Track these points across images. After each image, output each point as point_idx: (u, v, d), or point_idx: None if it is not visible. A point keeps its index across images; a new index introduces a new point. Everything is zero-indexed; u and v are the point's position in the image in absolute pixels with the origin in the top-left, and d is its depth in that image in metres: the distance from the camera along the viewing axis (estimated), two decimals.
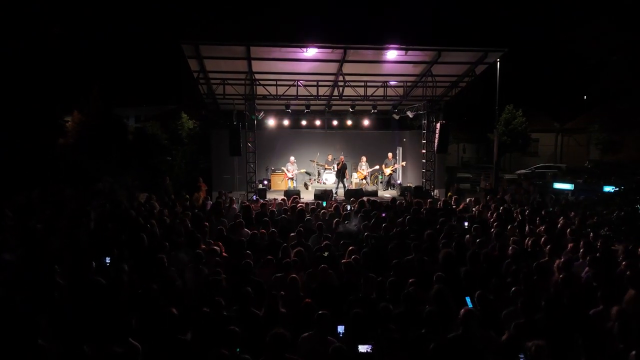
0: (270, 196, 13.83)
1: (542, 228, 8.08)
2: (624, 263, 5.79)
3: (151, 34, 41.77)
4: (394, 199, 11.49)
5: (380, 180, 16.59)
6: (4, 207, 8.45)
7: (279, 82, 13.38)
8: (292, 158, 15.81)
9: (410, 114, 15.96)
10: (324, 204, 10.96)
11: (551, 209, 10.33)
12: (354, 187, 14.96)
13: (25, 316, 3.81)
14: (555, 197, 12.45)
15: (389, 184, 16.30)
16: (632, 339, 3.78)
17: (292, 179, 15.62)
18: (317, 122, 16.81)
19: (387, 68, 13.46)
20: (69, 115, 22.23)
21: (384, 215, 8.87)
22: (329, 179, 16.21)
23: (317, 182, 16.51)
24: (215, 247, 6.41)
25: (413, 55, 12.68)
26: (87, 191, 12.35)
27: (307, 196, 13.84)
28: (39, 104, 18.46)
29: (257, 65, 12.77)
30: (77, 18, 23.53)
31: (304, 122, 16.82)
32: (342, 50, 11.98)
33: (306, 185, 16.34)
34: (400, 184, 16.08)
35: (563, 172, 24.14)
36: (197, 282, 5.53)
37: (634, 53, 23.57)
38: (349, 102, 14.61)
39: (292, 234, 7.47)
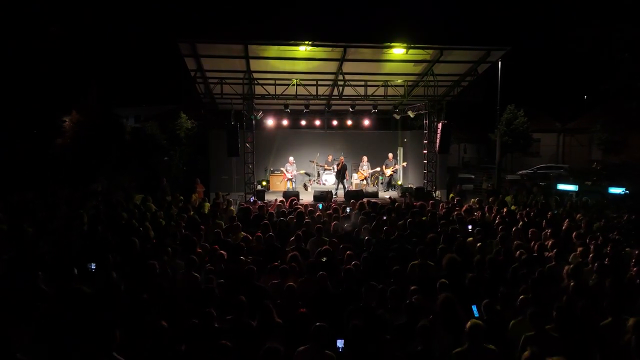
0: (268, 197, 13.59)
1: (548, 231, 7.84)
2: (634, 269, 5.55)
3: (150, 34, 41.51)
4: (393, 200, 11.24)
5: (380, 181, 16.35)
6: None
7: (277, 82, 13.17)
8: (291, 158, 15.57)
9: (411, 114, 15.74)
10: (320, 207, 10.65)
11: (556, 211, 10.10)
12: (354, 188, 14.71)
13: (2, 327, 3.57)
14: (559, 199, 12.23)
15: (390, 184, 16.07)
16: None
17: (291, 179, 15.38)
18: (317, 122, 16.55)
19: (387, 67, 13.27)
20: (67, 115, 22.02)
21: (384, 218, 8.63)
22: (328, 179, 15.97)
23: (317, 183, 16.28)
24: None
25: (414, 54, 12.45)
26: (82, 192, 12.12)
27: (307, 197, 13.60)
28: (37, 104, 18.31)
29: (255, 64, 12.60)
30: (75, 18, 23.34)
31: (303, 122, 16.57)
32: (342, 49, 11.76)
33: (305, 187, 16.10)
34: (400, 186, 15.84)
35: (570, 173, 23.78)
36: (189, 290, 5.26)
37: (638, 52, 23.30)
38: (349, 102, 14.40)
39: (292, 238, 7.22)
